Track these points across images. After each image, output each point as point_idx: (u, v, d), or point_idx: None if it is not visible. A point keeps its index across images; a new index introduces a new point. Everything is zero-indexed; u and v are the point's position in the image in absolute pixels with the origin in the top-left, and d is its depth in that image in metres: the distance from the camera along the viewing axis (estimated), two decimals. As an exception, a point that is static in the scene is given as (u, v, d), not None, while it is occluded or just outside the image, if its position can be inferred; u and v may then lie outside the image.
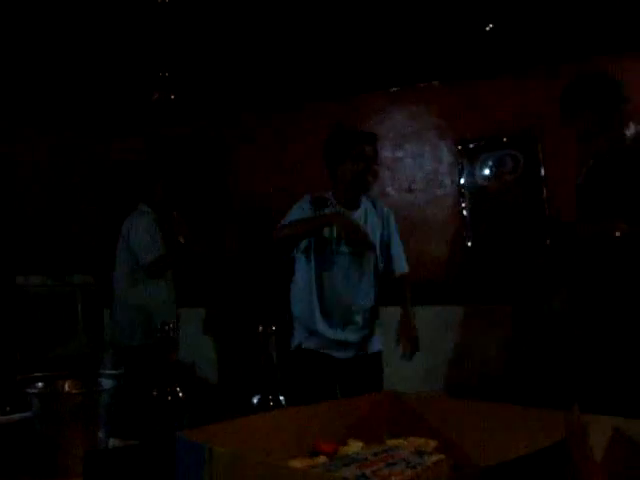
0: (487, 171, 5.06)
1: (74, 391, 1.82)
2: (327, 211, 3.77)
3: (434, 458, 1.30)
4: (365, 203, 3.91)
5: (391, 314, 3.82)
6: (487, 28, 4.62)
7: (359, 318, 3.83)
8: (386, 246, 3.93)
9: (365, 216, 3.85)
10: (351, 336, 3.83)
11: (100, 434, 1.73)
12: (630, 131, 2.84)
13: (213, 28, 4.29)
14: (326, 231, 3.71)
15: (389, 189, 5.35)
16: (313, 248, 3.80)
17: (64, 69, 4.68)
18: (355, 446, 1.39)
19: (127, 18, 4.02)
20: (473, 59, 4.88)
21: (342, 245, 3.76)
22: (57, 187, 6.21)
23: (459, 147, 5.15)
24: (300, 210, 3.83)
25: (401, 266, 3.98)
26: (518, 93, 4.98)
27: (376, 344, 3.92)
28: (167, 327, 1.61)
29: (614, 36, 4.57)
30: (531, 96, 4.92)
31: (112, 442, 1.84)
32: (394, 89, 5.43)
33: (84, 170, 6.42)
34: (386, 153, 5.36)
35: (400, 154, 5.38)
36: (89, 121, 6.14)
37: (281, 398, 1.54)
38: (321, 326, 3.79)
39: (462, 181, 5.16)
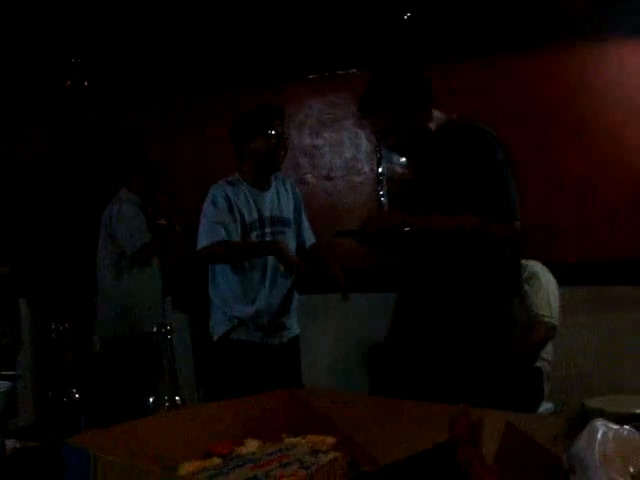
0: (405, 159, 5.08)
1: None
2: (242, 196, 3.71)
3: (329, 457, 1.29)
4: (275, 182, 3.86)
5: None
6: (405, 17, 4.65)
7: (289, 301, 3.82)
8: (297, 222, 3.91)
9: (277, 195, 3.81)
10: (287, 321, 3.82)
11: (-5, 438, 1.68)
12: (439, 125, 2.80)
13: (128, 11, 4.21)
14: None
15: (308, 176, 5.34)
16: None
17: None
18: (251, 446, 1.37)
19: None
20: (392, 48, 4.89)
21: (265, 227, 3.73)
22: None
23: (377, 135, 5.17)
24: (215, 208, 3.71)
25: (311, 236, 3.99)
26: (439, 82, 4.99)
27: (296, 327, 3.91)
28: (61, 327, 1.57)
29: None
30: (449, 86, 4.95)
31: (12, 444, 1.79)
32: (312, 77, 5.41)
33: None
34: (305, 141, 5.35)
35: (319, 142, 5.37)
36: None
37: (177, 399, 1.51)
38: (251, 310, 3.75)
39: (380, 169, 5.18)
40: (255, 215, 3.72)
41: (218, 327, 3.78)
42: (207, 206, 3.73)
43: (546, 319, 3.92)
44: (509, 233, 2.58)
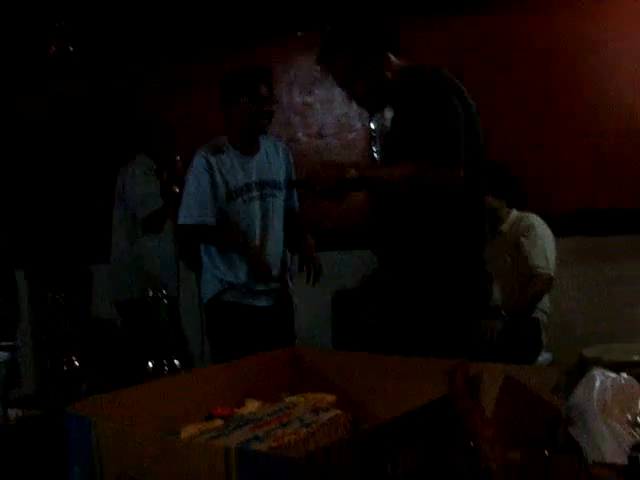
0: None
1: (-34, 365, 1.76)
2: (224, 157, 3.67)
3: (330, 414, 1.29)
4: (264, 144, 3.77)
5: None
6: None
7: (277, 264, 3.80)
8: (287, 184, 3.81)
9: (267, 158, 3.76)
10: (272, 283, 3.81)
11: (-3, 407, 1.68)
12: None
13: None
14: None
15: (299, 135, 5.29)
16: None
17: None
18: (252, 406, 1.38)
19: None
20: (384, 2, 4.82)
21: (253, 191, 3.71)
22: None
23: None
24: (197, 183, 3.67)
25: (295, 199, 3.89)
26: (431, 38, 4.94)
27: (289, 287, 3.91)
28: (57, 296, 1.57)
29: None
30: (440, 43, 4.90)
31: (14, 413, 1.80)
32: (301, 34, 5.34)
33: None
34: (295, 99, 5.29)
35: (309, 99, 5.31)
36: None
37: (176, 362, 1.51)
38: (243, 276, 3.75)
39: (372, 125, 5.14)
40: (241, 180, 3.65)
41: (208, 289, 3.78)
42: (189, 178, 3.71)
43: (543, 271, 3.93)
44: (446, 180, 2.43)
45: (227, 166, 3.65)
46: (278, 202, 3.75)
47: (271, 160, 3.74)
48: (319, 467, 0.89)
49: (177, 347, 1.52)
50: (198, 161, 3.67)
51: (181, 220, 3.72)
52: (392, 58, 2.67)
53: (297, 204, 3.89)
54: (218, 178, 3.64)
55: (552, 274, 3.95)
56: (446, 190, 2.47)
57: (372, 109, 2.94)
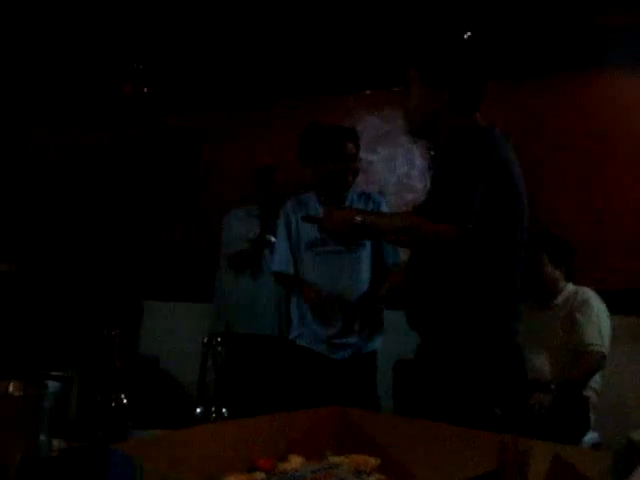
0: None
1: (17, 393, 1.78)
2: (306, 213, 3.74)
3: (372, 478, 1.28)
4: (351, 197, 3.87)
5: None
6: (465, 36, 4.62)
7: (353, 316, 3.80)
8: (302, 218, 3.86)
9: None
10: (349, 338, 3.81)
11: (42, 437, 1.69)
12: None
13: (187, 21, 4.26)
14: None
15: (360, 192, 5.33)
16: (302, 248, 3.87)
17: (36, 61, 4.60)
18: (295, 462, 1.37)
19: (102, 8, 3.98)
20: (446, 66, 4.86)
21: (328, 245, 3.76)
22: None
23: (431, 152, 5.15)
24: (278, 237, 3.98)
25: (394, 256, 3.88)
26: (491, 100, 4.95)
27: (373, 343, 3.89)
28: (112, 332, 1.59)
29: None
30: (505, 103, 4.92)
31: (57, 444, 1.81)
32: (369, 92, 5.41)
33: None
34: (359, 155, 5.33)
35: (373, 157, 5.36)
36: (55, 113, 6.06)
37: (223, 410, 1.52)
38: (313, 324, 3.79)
39: (434, 186, 5.15)
40: (314, 233, 3.68)
41: (293, 329, 3.94)
42: (277, 225, 4.05)
43: (597, 348, 3.85)
44: (437, 235, 2.36)
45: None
46: (357, 257, 3.77)
47: None
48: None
49: (227, 394, 1.52)
50: (282, 210, 3.96)
51: (271, 267, 4.11)
52: (475, 116, 2.64)
53: (393, 261, 3.88)
54: (292, 228, 3.77)
55: (605, 352, 3.87)
56: (437, 244, 2.42)
57: (417, 134, 2.89)
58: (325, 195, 3.83)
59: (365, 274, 3.82)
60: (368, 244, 3.82)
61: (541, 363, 3.93)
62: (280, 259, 3.94)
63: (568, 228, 4.47)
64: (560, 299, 4.07)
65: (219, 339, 1.46)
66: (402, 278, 3.78)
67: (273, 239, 4.52)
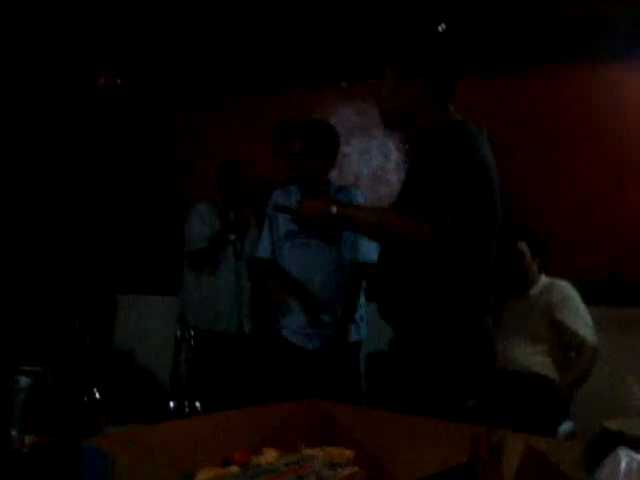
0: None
1: (-13, 389, 1.76)
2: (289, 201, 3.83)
3: (347, 471, 1.29)
4: (335, 192, 3.94)
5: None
6: (440, 28, 4.62)
7: (326, 308, 3.83)
8: (274, 208, 3.90)
9: None
10: (322, 328, 3.85)
11: (13, 433, 1.68)
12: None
13: (160, 11, 4.23)
14: None
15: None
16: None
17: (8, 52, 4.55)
18: (269, 456, 1.37)
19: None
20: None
21: (301, 237, 3.79)
22: None
23: (406, 145, 5.15)
24: (268, 228, 4.07)
25: (365, 253, 3.87)
26: (470, 94, 4.95)
27: (354, 335, 3.93)
28: (85, 324, 1.57)
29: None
30: (485, 97, 4.92)
31: (29, 440, 1.80)
32: (343, 84, 5.40)
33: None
34: (333, 148, 5.33)
35: (347, 150, 5.33)
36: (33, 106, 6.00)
37: (197, 404, 1.51)
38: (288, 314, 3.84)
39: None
40: (291, 225, 3.68)
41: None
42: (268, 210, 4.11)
43: (590, 342, 3.90)
44: (412, 232, 2.36)
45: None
46: (330, 250, 3.80)
47: None
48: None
49: (200, 389, 1.51)
50: (269, 202, 4.05)
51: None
52: (449, 107, 2.65)
53: (362, 258, 3.88)
54: (273, 219, 3.81)
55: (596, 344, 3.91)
56: (410, 241, 2.42)
57: (392, 125, 2.88)
58: (303, 189, 3.85)
59: (341, 267, 3.85)
60: (347, 237, 3.85)
61: (519, 353, 3.96)
62: (264, 246, 4.07)
63: (539, 219, 4.50)
64: (536, 289, 4.10)
65: (192, 333, 1.46)
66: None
67: (232, 237, 4.56)
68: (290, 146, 3.82)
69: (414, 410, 1.54)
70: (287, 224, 3.80)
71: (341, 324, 3.85)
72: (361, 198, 4.00)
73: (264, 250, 4.05)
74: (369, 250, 3.84)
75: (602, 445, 1.25)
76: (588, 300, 4.13)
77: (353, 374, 3.92)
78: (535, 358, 3.94)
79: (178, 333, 1.47)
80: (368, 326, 4.01)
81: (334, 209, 2.50)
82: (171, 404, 1.51)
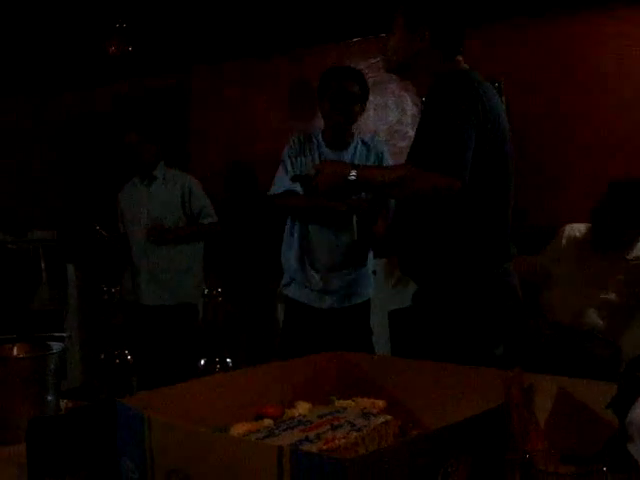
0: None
1: (22, 355, 1.79)
2: (309, 153, 3.78)
3: (380, 419, 1.29)
4: (356, 142, 3.85)
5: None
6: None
7: (342, 265, 3.81)
8: (291, 178, 3.81)
9: (353, 157, 3.78)
10: (332, 285, 3.83)
11: (49, 397, 1.71)
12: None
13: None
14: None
15: (352, 140, 5.31)
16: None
17: (15, 22, 4.53)
18: (302, 408, 1.38)
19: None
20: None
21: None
22: (17, 142, 6.10)
23: (423, 99, 5.09)
24: (288, 161, 3.83)
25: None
26: (485, 46, 4.90)
27: (365, 291, 3.90)
28: (113, 290, 1.59)
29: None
30: (497, 50, 4.87)
31: (64, 404, 1.82)
32: (356, 39, 5.35)
33: (42, 125, 6.30)
34: (349, 104, 5.30)
35: (363, 105, 5.32)
36: (47, 76, 6.00)
37: (228, 360, 1.52)
38: (299, 274, 3.79)
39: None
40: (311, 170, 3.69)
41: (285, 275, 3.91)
42: (284, 153, 3.89)
43: None
44: (438, 186, 2.32)
45: (307, 157, 3.77)
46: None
47: (357, 159, 3.73)
48: (374, 471, 0.89)
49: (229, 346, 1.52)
50: (291, 141, 3.88)
51: (272, 189, 3.88)
52: (457, 59, 2.62)
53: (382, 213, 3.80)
54: (299, 158, 3.79)
55: None
56: (438, 196, 2.39)
57: (394, 71, 2.85)
58: (328, 139, 3.81)
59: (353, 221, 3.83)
60: None
61: (592, 312, 3.76)
62: (280, 183, 3.83)
63: None
64: (632, 253, 3.80)
65: (220, 290, 1.46)
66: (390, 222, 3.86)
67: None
68: (345, 89, 3.77)
69: (442, 361, 1.54)
70: (309, 168, 3.74)
71: (360, 280, 3.86)
72: (387, 153, 3.95)
73: (282, 185, 3.83)
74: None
75: (634, 386, 1.24)
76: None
77: (364, 331, 3.92)
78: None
79: (206, 290, 1.47)
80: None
81: (353, 174, 2.46)
82: (202, 361, 1.52)
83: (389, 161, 3.89)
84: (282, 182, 3.79)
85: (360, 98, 3.79)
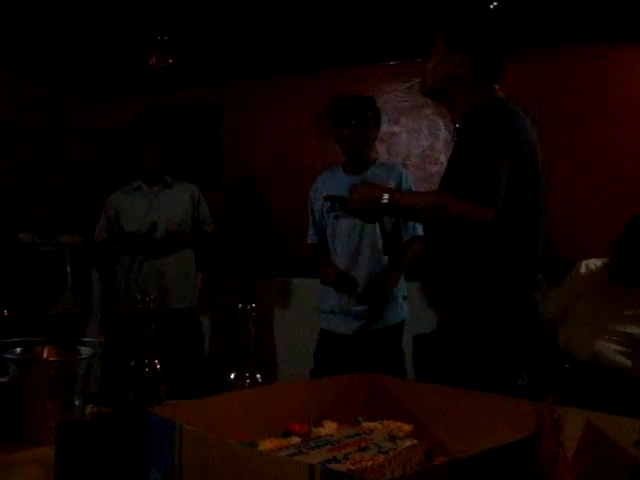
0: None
1: (52, 358, 1.81)
2: (332, 182, 3.95)
3: (407, 443, 1.29)
4: (375, 167, 3.97)
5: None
6: (491, 6, 4.56)
7: (364, 287, 3.86)
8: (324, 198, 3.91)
9: (373, 178, 3.86)
10: (358, 307, 3.91)
11: (76, 402, 1.72)
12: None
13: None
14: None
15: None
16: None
17: (56, 26, 4.59)
18: (329, 428, 1.38)
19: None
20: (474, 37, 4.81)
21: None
22: (44, 147, 6.16)
23: (457, 125, 5.10)
24: (310, 212, 4.14)
25: (412, 230, 3.96)
26: (520, 73, 4.90)
27: (392, 316, 3.96)
28: (147, 299, 1.60)
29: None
30: (532, 78, 4.86)
31: (89, 409, 1.84)
32: (392, 63, 5.37)
33: (74, 129, 6.36)
34: (382, 127, 5.30)
35: (396, 129, 5.33)
36: (82, 83, 6.08)
37: (257, 376, 1.53)
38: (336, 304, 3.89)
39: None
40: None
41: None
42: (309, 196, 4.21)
43: None
44: (471, 215, 2.32)
45: (329, 185, 3.94)
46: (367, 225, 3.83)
47: (378, 180, 3.77)
48: (406, 494, 0.89)
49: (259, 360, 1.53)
50: (311, 188, 4.17)
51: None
52: (494, 87, 2.63)
53: (412, 235, 3.95)
54: (316, 198, 4.02)
55: None
56: (470, 225, 2.39)
57: (429, 95, 2.86)
58: (348, 165, 3.89)
59: (382, 243, 3.87)
60: None
61: (612, 347, 3.70)
62: (311, 231, 4.13)
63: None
64: None
65: (254, 305, 1.48)
66: (420, 249, 3.89)
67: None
68: (362, 117, 3.88)
69: (465, 388, 1.54)
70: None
71: (383, 304, 3.90)
72: (406, 176, 3.99)
73: (312, 234, 4.13)
74: (413, 227, 3.94)
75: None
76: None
77: (396, 355, 3.94)
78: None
79: (240, 305, 1.49)
80: (409, 306, 4.04)
81: (385, 197, 2.47)
82: (232, 376, 1.54)
83: (409, 181, 3.95)
84: (310, 233, 4.13)
85: (375, 124, 3.99)
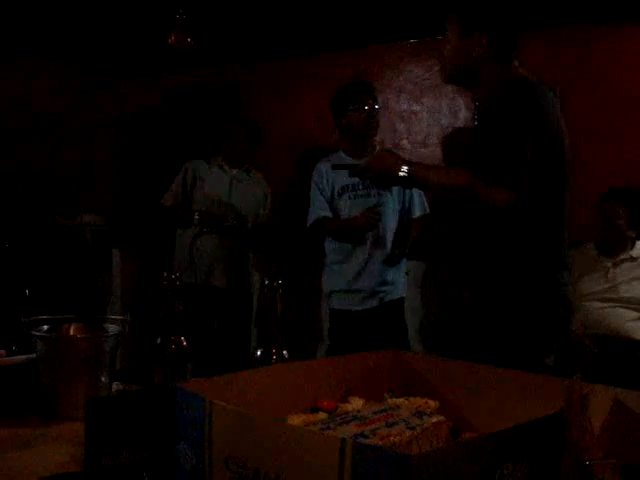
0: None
1: (79, 336, 1.83)
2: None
3: (433, 419, 1.30)
4: (378, 150, 4.03)
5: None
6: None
7: (376, 266, 3.94)
8: (401, 191, 4.05)
9: None
10: (375, 286, 4.03)
11: (103, 379, 1.74)
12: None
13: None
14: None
15: (404, 142, 5.29)
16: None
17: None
18: (356, 404, 1.39)
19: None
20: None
21: (359, 190, 3.96)
22: (68, 125, 6.18)
23: (476, 103, 5.07)
24: (312, 195, 4.13)
25: (420, 208, 4.13)
26: (543, 52, 4.84)
27: (399, 290, 4.11)
28: (173, 276, 1.61)
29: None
30: (556, 57, 4.81)
31: (115, 386, 1.86)
32: (413, 41, 5.33)
33: (94, 109, 6.38)
34: (403, 106, 5.29)
35: (416, 107, 5.30)
36: (104, 62, 6.08)
37: (284, 352, 1.54)
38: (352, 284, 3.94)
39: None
40: (347, 180, 3.94)
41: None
42: (312, 184, 4.21)
43: None
44: (497, 200, 2.34)
45: (335, 175, 4.04)
46: (386, 203, 3.88)
47: None
48: (438, 468, 0.90)
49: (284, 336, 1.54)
50: (314, 173, 4.18)
51: (308, 221, 4.20)
52: (514, 63, 2.61)
53: (417, 213, 4.10)
54: (325, 181, 4.02)
55: None
56: (494, 207, 2.39)
57: (453, 81, 2.85)
58: (351, 149, 3.97)
59: (391, 220, 3.95)
60: (395, 191, 3.93)
61: (617, 315, 3.90)
62: (319, 206, 4.09)
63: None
64: (636, 251, 4.00)
65: (280, 281, 1.48)
66: (424, 228, 4.00)
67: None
68: (373, 101, 4.03)
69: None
70: (342, 180, 3.97)
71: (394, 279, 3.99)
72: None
73: (322, 209, 4.09)
74: (421, 206, 4.11)
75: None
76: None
77: (402, 328, 4.06)
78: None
79: (266, 281, 1.49)
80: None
81: (404, 169, 2.48)
82: (258, 352, 1.55)
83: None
84: (311, 214, 4.12)
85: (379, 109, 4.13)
